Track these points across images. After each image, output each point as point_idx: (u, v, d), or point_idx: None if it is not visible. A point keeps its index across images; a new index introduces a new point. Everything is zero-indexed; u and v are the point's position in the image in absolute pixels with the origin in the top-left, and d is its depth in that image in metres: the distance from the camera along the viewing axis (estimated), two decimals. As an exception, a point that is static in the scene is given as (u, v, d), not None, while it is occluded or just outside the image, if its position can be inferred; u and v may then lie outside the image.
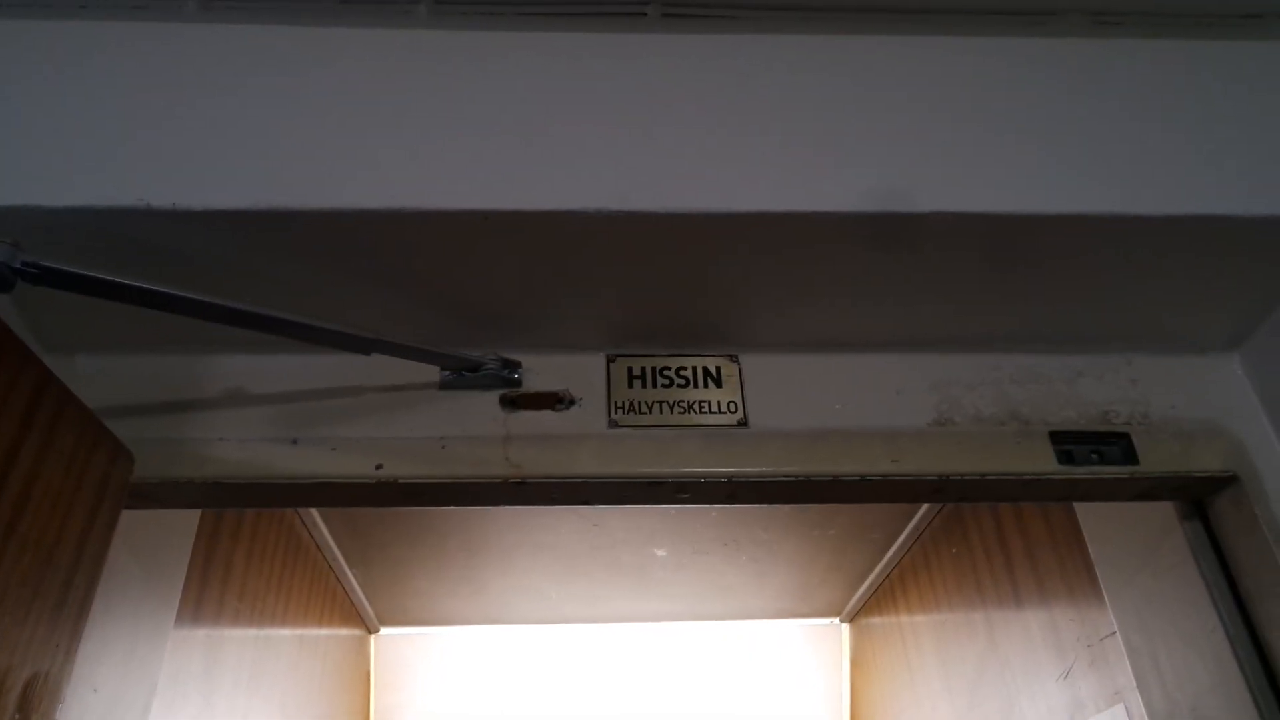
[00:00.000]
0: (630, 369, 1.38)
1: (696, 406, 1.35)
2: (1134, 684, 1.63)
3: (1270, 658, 1.30)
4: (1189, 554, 1.42)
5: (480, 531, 2.81)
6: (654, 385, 1.37)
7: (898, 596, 3.11)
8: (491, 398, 1.34)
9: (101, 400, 1.17)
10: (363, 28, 1.25)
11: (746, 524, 2.80)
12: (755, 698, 3.71)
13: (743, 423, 1.34)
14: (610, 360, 1.39)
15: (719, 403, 1.35)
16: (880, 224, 1.16)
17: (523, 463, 1.28)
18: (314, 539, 2.67)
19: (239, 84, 1.19)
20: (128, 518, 1.16)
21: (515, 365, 1.35)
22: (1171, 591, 1.48)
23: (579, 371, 1.37)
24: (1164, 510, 1.47)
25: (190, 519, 1.76)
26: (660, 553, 2.98)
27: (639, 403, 1.34)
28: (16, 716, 0.91)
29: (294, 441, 1.28)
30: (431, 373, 1.33)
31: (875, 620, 3.40)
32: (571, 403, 1.34)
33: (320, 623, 2.80)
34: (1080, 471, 1.32)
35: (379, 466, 1.26)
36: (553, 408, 1.34)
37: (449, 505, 1.35)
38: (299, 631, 2.58)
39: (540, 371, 1.36)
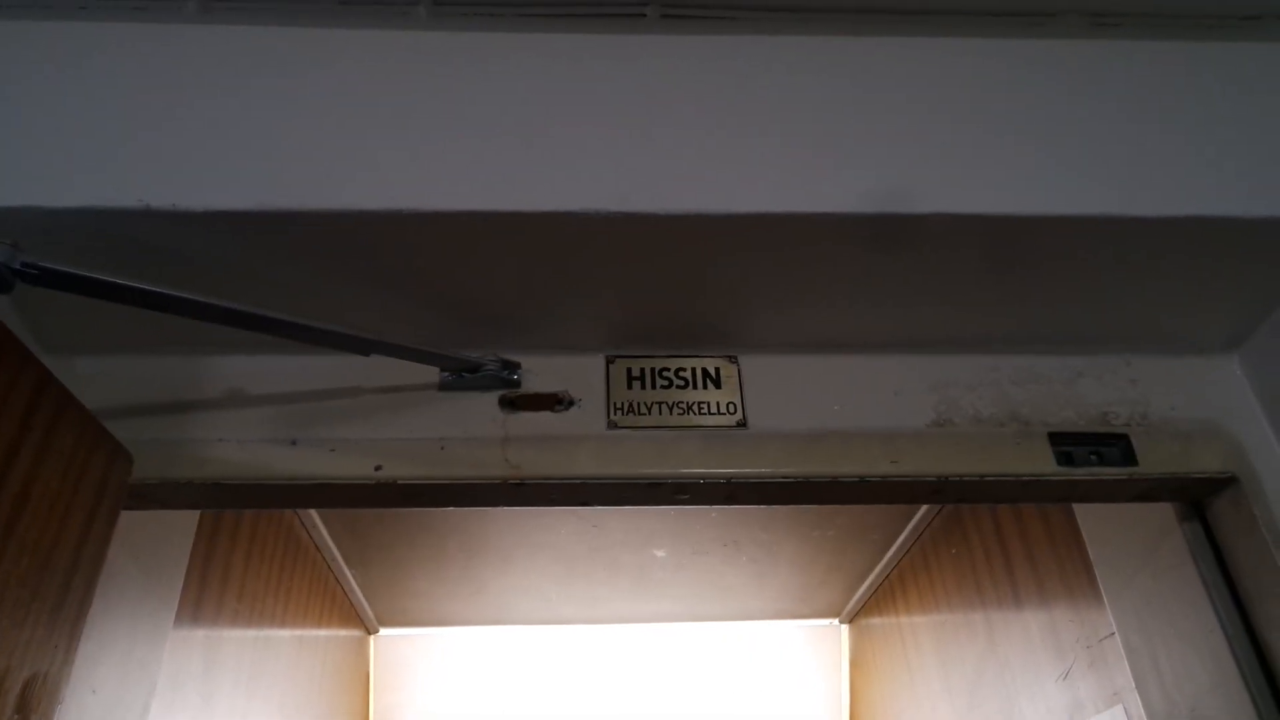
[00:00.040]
0: (629, 370, 1.38)
1: (696, 407, 1.35)
2: (1133, 685, 1.63)
3: (1269, 658, 1.30)
4: (1188, 555, 1.42)
5: (480, 532, 2.81)
6: (653, 386, 1.37)
7: (897, 597, 3.11)
8: (491, 399, 1.34)
9: (101, 401, 1.17)
10: (362, 29, 1.25)
11: (746, 525, 2.80)
12: (755, 698, 3.71)
13: (742, 424, 1.34)
14: (609, 361, 1.39)
15: (718, 404, 1.35)
16: (879, 225, 1.16)
17: (522, 464, 1.28)
18: (313, 540, 2.67)
19: (239, 85, 1.19)
20: (127, 519, 1.16)
21: (514, 366, 1.35)
22: (1170, 592, 1.48)
23: (578, 372, 1.37)
24: (1163, 511, 1.48)
25: (189, 520, 1.76)
26: (660, 553, 2.98)
27: (638, 404, 1.35)
28: (15, 717, 0.91)
29: (293, 442, 1.28)
30: (431, 374, 1.33)
31: (875, 621, 3.40)
32: (571, 404, 1.34)
33: (319, 623, 2.80)
34: (1079, 472, 1.32)
35: (378, 467, 1.26)
36: (552, 409, 1.34)
37: (448, 506, 1.36)
38: (298, 632, 2.58)
39: (539, 373, 1.36)
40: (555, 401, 1.34)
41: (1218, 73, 1.29)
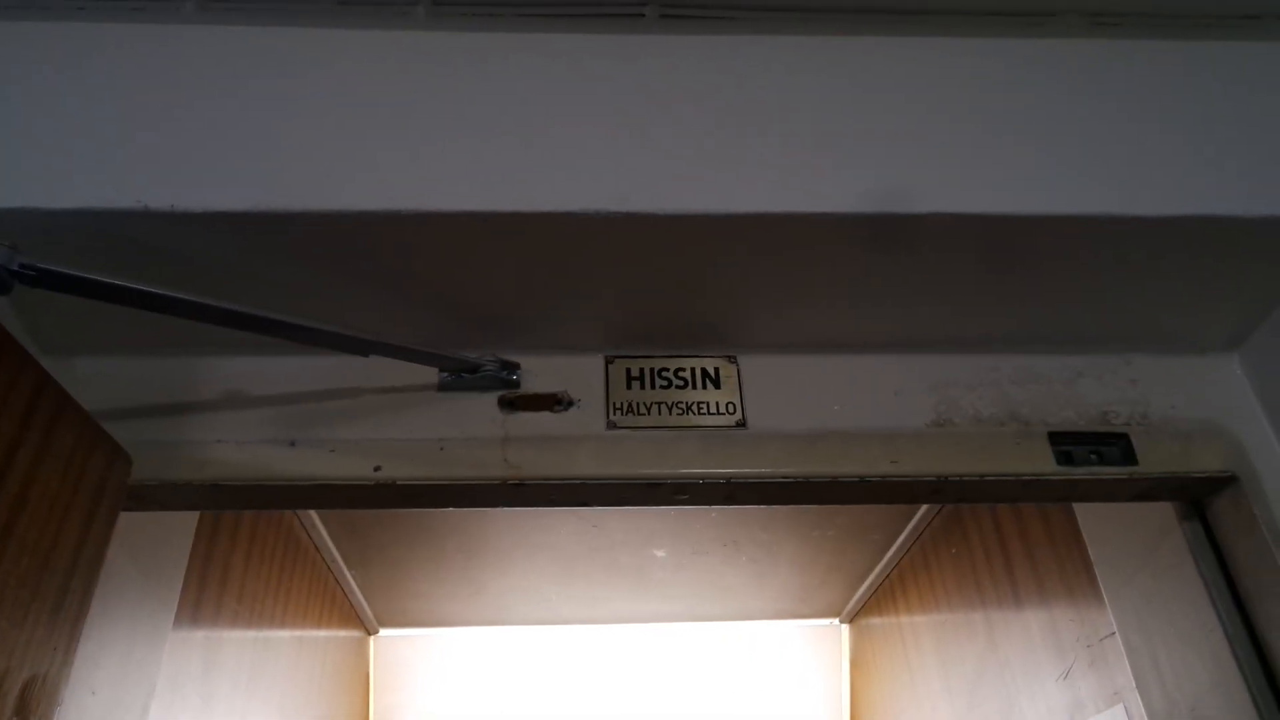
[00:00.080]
0: (629, 370, 1.38)
1: (695, 408, 1.35)
2: (1133, 684, 1.63)
3: (1269, 658, 1.30)
4: (1188, 554, 1.42)
5: (479, 533, 2.81)
6: (652, 386, 1.37)
7: (897, 597, 3.11)
8: (490, 399, 1.34)
9: (99, 402, 1.17)
10: (361, 29, 1.25)
11: (746, 525, 2.80)
12: (755, 698, 3.71)
13: (741, 424, 1.34)
14: (609, 361, 1.39)
15: (717, 404, 1.35)
16: (878, 225, 1.16)
17: (521, 464, 1.28)
18: (313, 540, 2.67)
19: (237, 85, 1.19)
20: (126, 520, 1.16)
21: (514, 367, 1.35)
22: (1171, 592, 1.48)
23: (577, 373, 1.37)
24: (1163, 511, 1.47)
25: (189, 521, 1.76)
26: (659, 554, 2.98)
27: (637, 404, 1.34)
28: (14, 719, 0.91)
29: (292, 443, 1.28)
30: (430, 374, 1.33)
31: (875, 621, 3.40)
32: (570, 404, 1.34)
33: (319, 624, 2.80)
34: (1079, 472, 1.32)
35: (377, 468, 1.26)
36: (551, 409, 1.33)
37: (447, 507, 1.35)
38: (298, 633, 2.58)
39: (539, 373, 1.36)
40: (555, 402, 1.34)
41: (1217, 72, 1.29)
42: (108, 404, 1.24)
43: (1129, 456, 1.34)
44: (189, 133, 1.14)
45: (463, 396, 1.33)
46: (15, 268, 0.94)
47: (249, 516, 2.15)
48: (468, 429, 1.31)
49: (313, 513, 2.55)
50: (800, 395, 1.37)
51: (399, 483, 1.26)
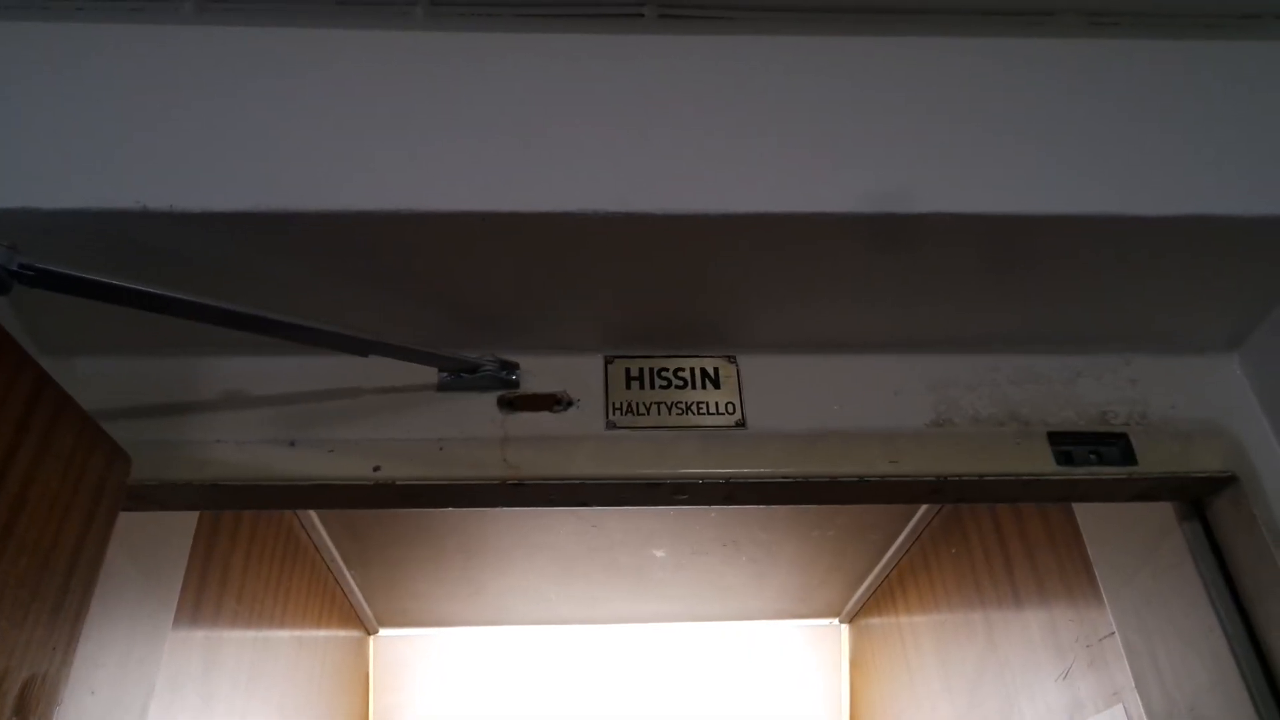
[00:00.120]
0: (628, 370, 1.38)
1: (694, 407, 1.35)
2: (1133, 684, 1.63)
3: (1269, 658, 1.30)
4: (1188, 554, 1.42)
5: (479, 533, 2.81)
6: (652, 386, 1.37)
7: (897, 597, 3.11)
8: (489, 399, 1.34)
9: (99, 402, 1.17)
10: (359, 29, 1.25)
11: (746, 525, 2.80)
12: (755, 698, 3.71)
13: (740, 424, 1.34)
14: (608, 361, 1.39)
15: (717, 404, 1.35)
16: (878, 225, 1.16)
17: (521, 464, 1.28)
18: (312, 540, 2.67)
19: (236, 86, 1.19)
20: (125, 520, 1.16)
21: (513, 367, 1.35)
22: (1170, 592, 1.48)
23: (577, 373, 1.37)
24: (1163, 510, 1.47)
25: (188, 521, 1.76)
26: (659, 554, 2.97)
27: (637, 404, 1.34)
28: (14, 718, 0.91)
29: (292, 443, 1.28)
30: (429, 374, 1.33)
31: (875, 621, 3.40)
32: (569, 404, 1.34)
33: (319, 624, 2.80)
34: (1079, 472, 1.32)
35: (377, 468, 1.26)
36: (551, 409, 1.33)
37: (447, 507, 1.35)
38: (297, 633, 2.58)
39: (538, 373, 1.36)
40: (554, 402, 1.34)
41: (1217, 71, 1.29)
42: (107, 404, 1.23)
43: (1128, 456, 1.34)
44: (188, 133, 1.14)
45: (462, 396, 1.33)
46: (14, 268, 0.94)
47: (248, 516, 2.15)
48: (467, 429, 1.31)
49: (312, 513, 2.55)
50: (800, 395, 1.37)
51: (398, 483, 1.26)
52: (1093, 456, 1.33)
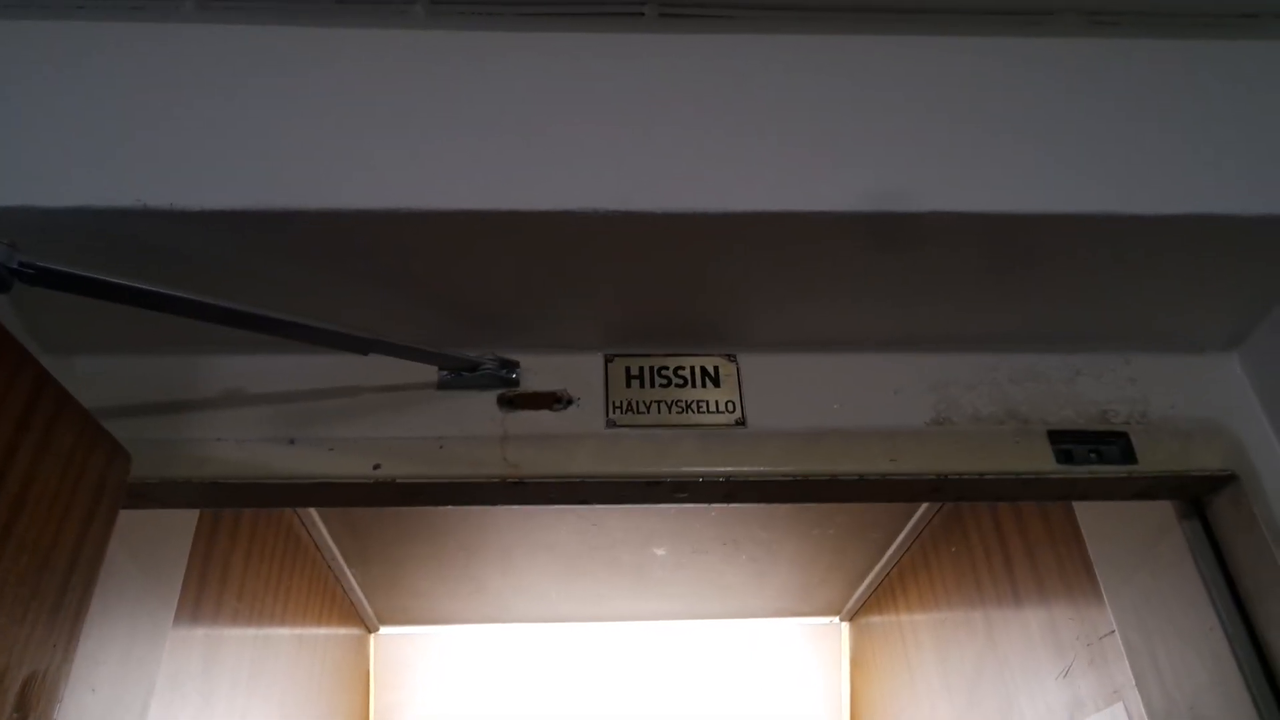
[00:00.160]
0: (628, 369, 1.38)
1: (694, 406, 1.35)
2: (1133, 682, 1.63)
3: (1268, 656, 1.30)
4: (1187, 553, 1.42)
5: (479, 531, 2.81)
6: (652, 385, 1.37)
7: (897, 595, 3.11)
8: (489, 398, 1.34)
9: (99, 401, 1.17)
10: (359, 28, 1.25)
11: (746, 523, 2.80)
12: (755, 697, 3.71)
13: (740, 422, 1.34)
14: (608, 360, 1.39)
15: (717, 402, 1.35)
16: (878, 224, 1.16)
17: (520, 462, 1.28)
18: (313, 538, 2.67)
19: (236, 84, 1.19)
20: (125, 518, 1.16)
21: (513, 365, 1.35)
22: (1170, 590, 1.48)
23: (577, 371, 1.37)
24: (1162, 509, 1.47)
25: (188, 519, 1.76)
26: (659, 552, 2.98)
27: (637, 402, 1.34)
28: (14, 716, 0.91)
29: (292, 441, 1.28)
30: (429, 373, 1.33)
31: (875, 619, 3.40)
32: (569, 402, 1.34)
33: (319, 622, 2.80)
34: (1079, 471, 1.32)
35: (377, 466, 1.26)
36: (550, 407, 1.34)
37: (447, 505, 1.35)
38: (298, 631, 2.58)
39: (538, 371, 1.36)
40: (554, 400, 1.34)
41: (1216, 71, 1.29)
42: (107, 402, 1.24)
43: (1128, 455, 1.34)
44: (188, 131, 1.14)
45: (462, 395, 1.34)
46: (14, 266, 0.94)
47: (249, 515, 2.15)
48: (467, 427, 1.31)
49: (313, 511, 2.55)
50: (800, 394, 1.37)
51: (398, 481, 1.26)
52: (1093, 455, 1.33)
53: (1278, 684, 1.29)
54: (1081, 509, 1.83)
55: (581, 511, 2.68)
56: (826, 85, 1.25)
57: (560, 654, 3.67)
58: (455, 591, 3.23)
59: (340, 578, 2.99)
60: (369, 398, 1.33)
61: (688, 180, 1.15)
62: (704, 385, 1.37)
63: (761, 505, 2.54)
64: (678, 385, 1.37)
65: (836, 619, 3.66)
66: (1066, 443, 1.35)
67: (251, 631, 2.18)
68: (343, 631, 3.16)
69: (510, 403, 1.33)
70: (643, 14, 1.30)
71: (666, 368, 1.39)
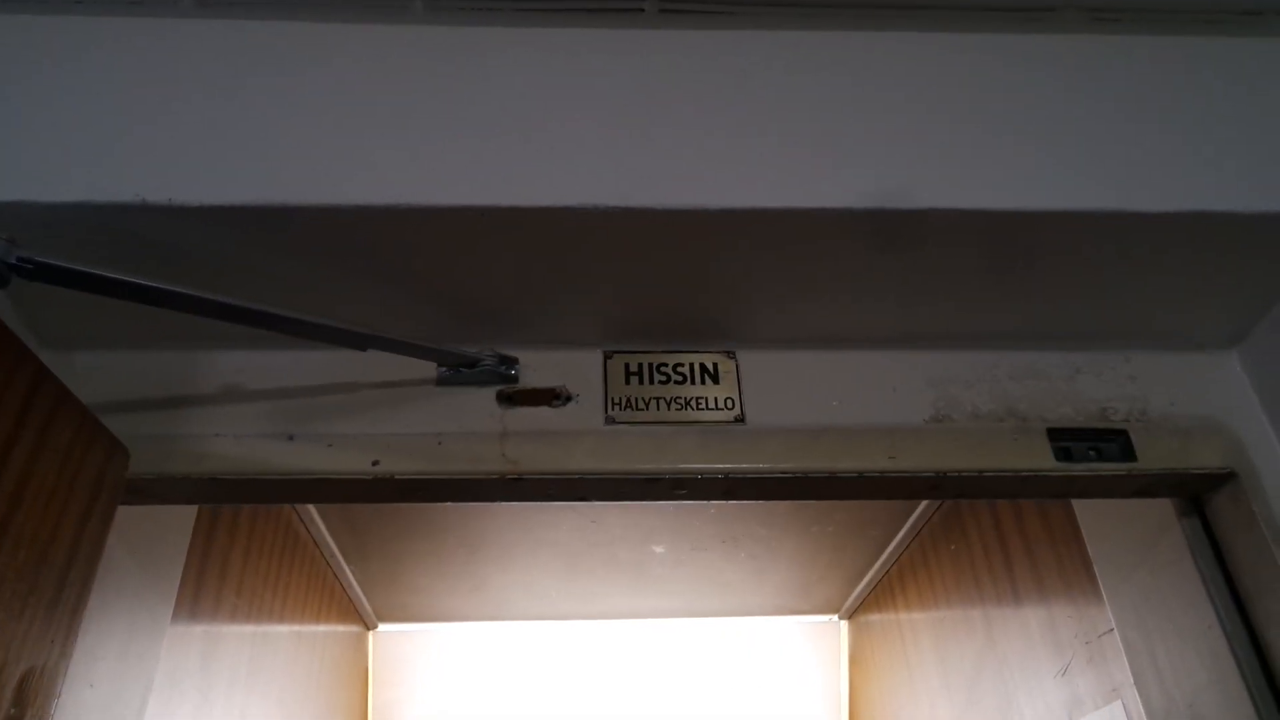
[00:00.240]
0: (627, 365, 1.38)
1: (694, 403, 1.35)
2: (1131, 681, 1.63)
3: (1268, 655, 1.30)
4: (1187, 551, 1.42)
5: (478, 528, 2.81)
6: (651, 381, 1.37)
7: (896, 593, 3.12)
8: (488, 394, 1.33)
9: (97, 396, 1.17)
10: (359, 24, 1.25)
11: (745, 521, 2.80)
12: (754, 695, 3.71)
13: (740, 419, 1.34)
14: (607, 356, 1.39)
15: (716, 399, 1.35)
16: (879, 221, 1.16)
17: (519, 459, 1.28)
18: (311, 535, 2.67)
19: (235, 79, 1.19)
20: (124, 513, 1.16)
21: (512, 361, 1.35)
22: (1169, 588, 1.48)
23: (576, 368, 1.37)
24: (1162, 507, 1.47)
25: (187, 515, 1.76)
26: (659, 549, 2.98)
27: (636, 399, 1.34)
28: (12, 711, 0.91)
29: (290, 437, 1.28)
30: (428, 369, 1.33)
31: (874, 617, 3.40)
32: (568, 399, 1.34)
33: (318, 619, 2.80)
34: (1078, 468, 1.32)
35: (375, 463, 1.26)
36: (550, 404, 1.33)
37: (446, 501, 1.36)
38: (297, 628, 2.58)
39: (537, 368, 1.36)
40: (553, 397, 1.34)
41: (1218, 68, 1.29)
42: (105, 397, 1.24)
43: (1128, 453, 1.34)
44: (187, 126, 1.14)
45: (461, 391, 1.33)
46: (13, 261, 0.94)
47: (247, 511, 2.15)
48: (466, 423, 1.31)
49: (311, 507, 2.55)
50: (799, 391, 1.37)
51: (397, 477, 1.26)
52: (1092, 453, 1.33)
53: (1276, 682, 1.29)
54: (1081, 507, 1.83)
55: (581, 508, 2.68)
56: (827, 82, 1.25)
57: (559, 651, 3.67)
58: (454, 588, 3.24)
59: (339, 574, 2.99)
60: (368, 394, 1.32)
61: (687, 177, 1.15)
62: (703, 382, 1.37)
63: (761, 502, 2.55)
64: (677, 382, 1.37)
65: (835, 617, 3.66)
66: (1066, 440, 1.35)
67: (250, 628, 2.18)
68: (341, 628, 3.16)
69: (509, 399, 1.33)
70: (643, 10, 1.30)
71: (666, 364, 1.39)
